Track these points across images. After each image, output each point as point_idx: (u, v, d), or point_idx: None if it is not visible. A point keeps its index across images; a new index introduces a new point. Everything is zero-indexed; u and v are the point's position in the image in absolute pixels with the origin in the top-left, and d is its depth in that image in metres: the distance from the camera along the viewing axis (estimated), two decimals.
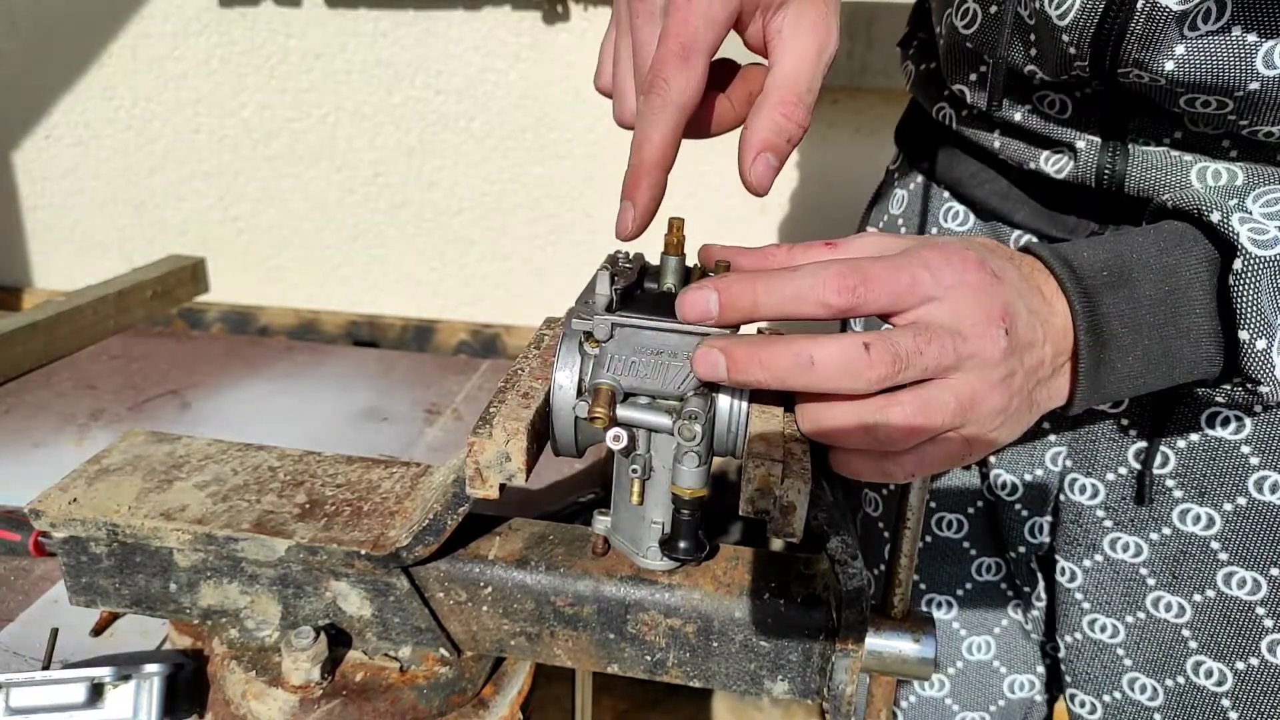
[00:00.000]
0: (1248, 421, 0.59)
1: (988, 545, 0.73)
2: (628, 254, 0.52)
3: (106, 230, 1.87)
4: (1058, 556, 0.69)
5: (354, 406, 1.03)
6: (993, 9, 0.57)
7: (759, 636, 0.49)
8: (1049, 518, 0.69)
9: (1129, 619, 0.66)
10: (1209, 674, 0.63)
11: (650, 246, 0.48)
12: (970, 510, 0.73)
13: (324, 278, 1.84)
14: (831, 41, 0.47)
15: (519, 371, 0.50)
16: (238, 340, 1.21)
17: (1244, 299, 0.46)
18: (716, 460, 0.45)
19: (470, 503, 0.47)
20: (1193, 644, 0.64)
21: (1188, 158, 0.55)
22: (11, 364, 1.05)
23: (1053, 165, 0.59)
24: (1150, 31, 0.48)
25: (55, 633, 0.60)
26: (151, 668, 0.51)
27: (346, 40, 1.65)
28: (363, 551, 0.49)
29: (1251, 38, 0.47)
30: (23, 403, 1.00)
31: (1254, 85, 0.48)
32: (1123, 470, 0.64)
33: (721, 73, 0.51)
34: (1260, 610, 0.61)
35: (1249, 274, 0.46)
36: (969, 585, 0.75)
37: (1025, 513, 0.69)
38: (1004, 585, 0.74)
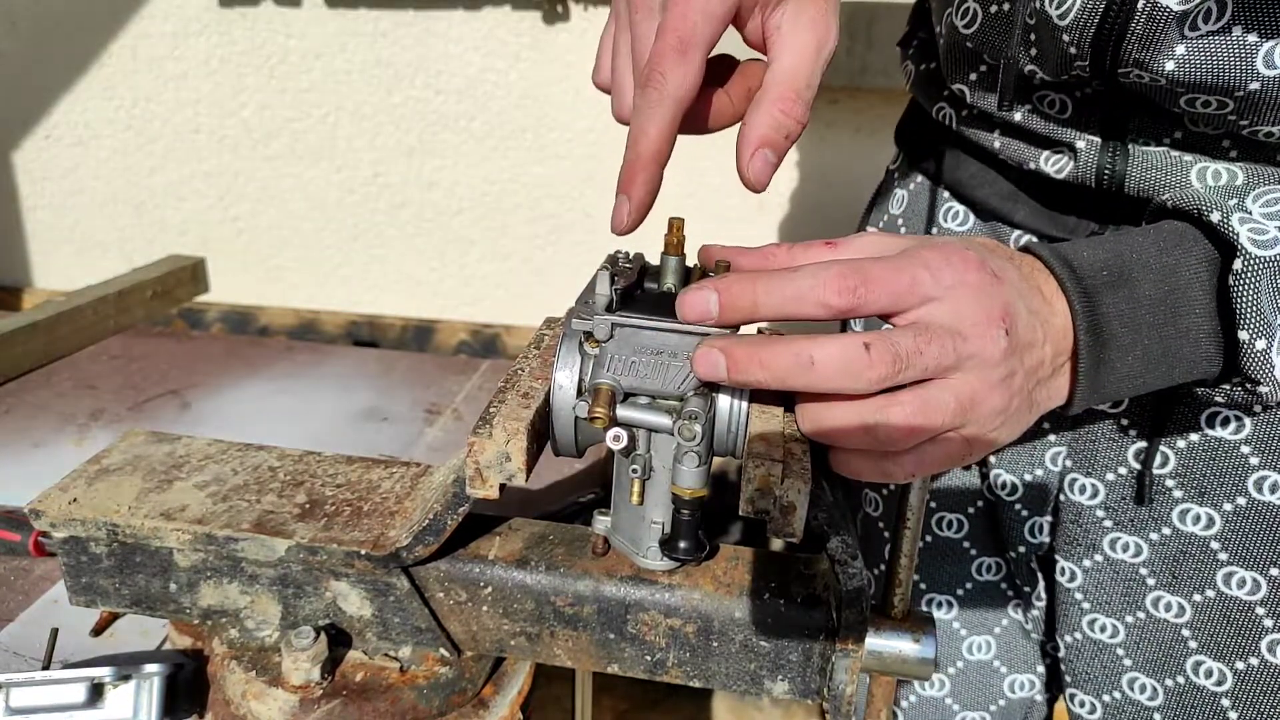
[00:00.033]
0: (1247, 421, 0.59)
1: (988, 545, 0.73)
2: (628, 254, 0.52)
3: (106, 230, 1.87)
4: (1058, 556, 0.69)
5: (354, 406, 1.03)
6: (993, 8, 0.57)
7: (759, 636, 0.49)
8: (1049, 518, 0.69)
9: (1129, 619, 0.66)
10: (1209, 674, 0.63)
11: (650, 246, 0.48)
12: (970, 510, 0.73)
13: (324, 278, 1.84)
14: (831, 38, 0.47)
15: (519, 371, 0.50)
16: (238, 340, 1.21)
17: (1244, 299, 0.46)
18: (716, 460, 0.45)
19: (470, 503, 0.47)
20: (1192, 644, 0.64)
21: (1188, 158, 0.55)
22: (11, 364, 1.05)
23: (1053, 165, 0.59)
24: (1151, 31, 0.48)
25: (55, 633, 0.60)
26: (151, 668, 0.51)
27: (346, 40, 1.65)
28: (363, 551, 0.49)
29: (1252, 38, 0.47)
30: (23, 403, 1.00)
31: (1254, 85, 0.48)
32: (1123, 470, 0.64)
33: (720, 69, 0.51)
34: (1260, 610, 0.61)
35: (1249, 274, 0.46)
36: (969, 585, 0.75)
37: (1025, 513, 0.69)
38: (1004, 585, 0.74)
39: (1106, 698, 0.69)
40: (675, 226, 0.48)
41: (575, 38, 1.58)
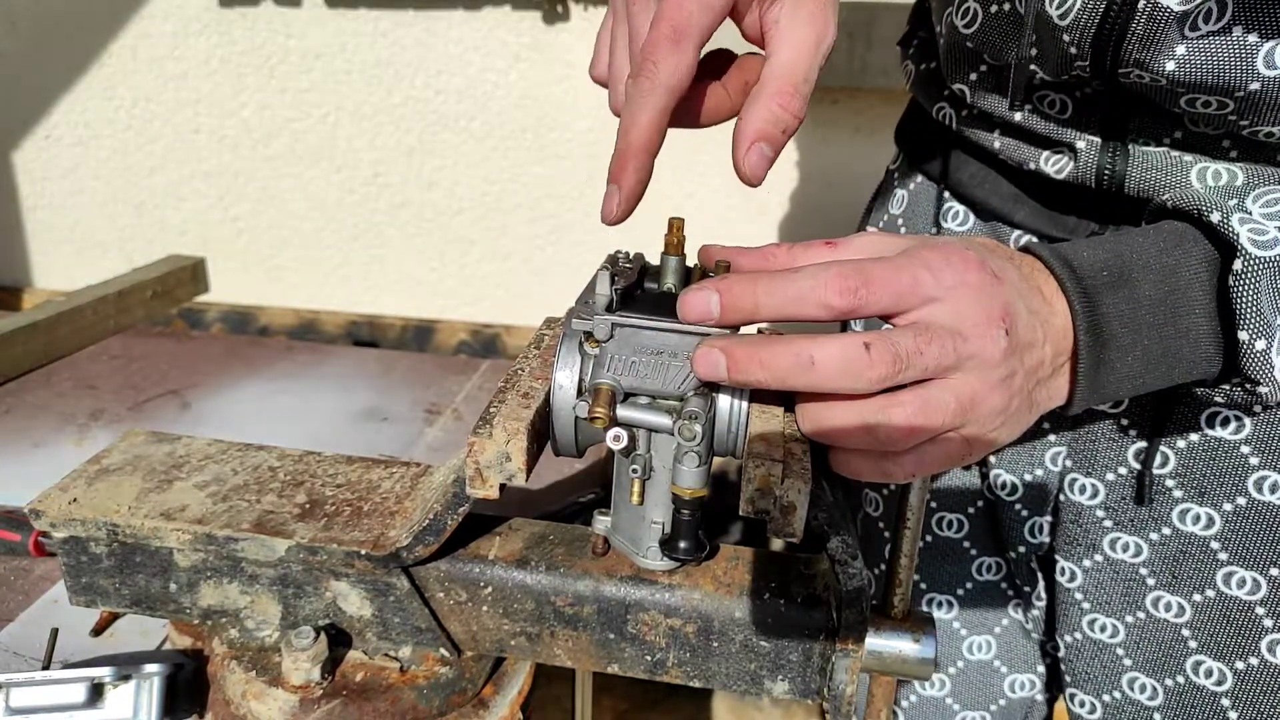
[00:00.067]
0: (1247, 421, 0.59)
1: (988, 545, 0.73)
2: (628, 254, 0.52)
3: (106, 230, 1.87)
4: (1058, 556, 0.69)
5: (354, 406, 1.03)
6: (994, 8, 0.57)
7: (759, 636, 0.49)
8: (1049, 518, 0.69)
9: (1129, 619, 0.66)
10: (1209, 674, 0.63)
11: (650, 246, 0.48)
12: (970, 510, 0.73)
13: (324, 278, 1.84)
14: (829, 33, 0.47)
15: (519, 371, 0.50)
16: (238, 340, 1.21)
17: (1243, 299, 0.46)
18: (716, 460, 0.45)
19: (470, 503, 0.47)
20: (1192, 644, 0.64)
21: (1188, 158, 0.55)
22: (11, 364, 1.05)
23: (1053, 165, 0.59)
24: (1151, 32, 0.48)
25: (55, 633, 0.60)
26: (151, 668, 0.51)
27: (346, 40, 1.65)
28: (363, 551, 0.49)
29: (1252, 38, 0.47)
30: (23, 403, 1.00)
31: (1254, 86, 0.48)
32: (1122, 470, 0.64)
33: (718, 63, 0.51)
34: (1260, 610, 0.61)
35: (1249, 274, 0.46)
36: (969, 585, 0.75)
37: (1025, 513, 0.69)
38: (1004, 585, 0.74)
39: (1106, 697, 0.69)
40: (675, 226, 0.48)
41: (575, 38, 1.58)
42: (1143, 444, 0.62)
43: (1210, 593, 0.62)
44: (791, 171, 1.63)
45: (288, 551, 0.49)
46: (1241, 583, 0.61)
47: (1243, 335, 0.46)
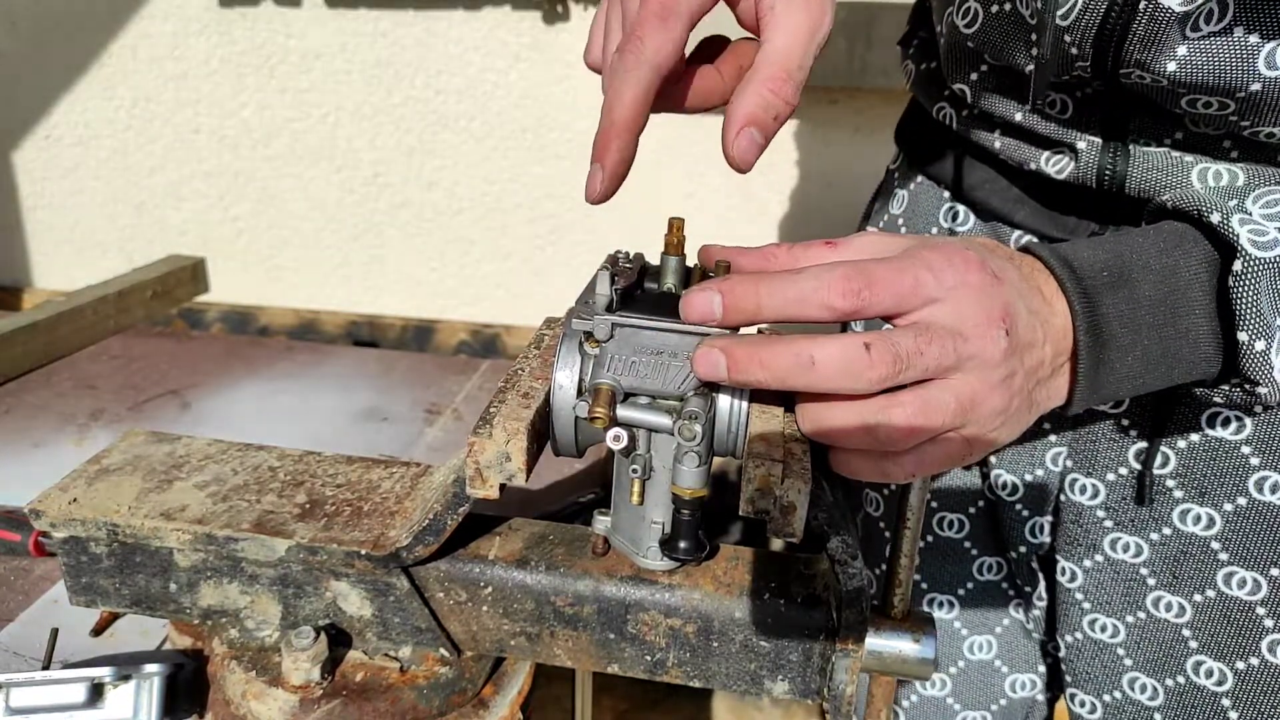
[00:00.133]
0: (1248, 422, 0.59)
1: (988, 545, 0.73)
2: (628, 254, 0.52)
3: (106, 230, 1.87)
4: (1058, 556, 0.69)
5: (354, 406, 1.03)
6: (994, 8, 0.57)
7: (759, 636, 0.49)
8: (1049, 518, 0.69)
9: (1129, 619, 0.66)
10: (1209, 674, 0.63)
11: (650, 246, 0.48)
12: (971, 510, 0.73)
13: (324, 278, 1.84)
14: (825, 21, 0.46)
15: (519, 371, 0.50)
16: (238, 340, 1.21)
17: (1243, 300, 0.46)
18: (716, 460, 0.45)
19: (470, 503, 0.47)
20: (1193, 644, 0.64)
21: (1189, 158, 0.55)
22: (11, 364, 1.05)
23: (1053, 166, 0.59)
24: (1152, 32, 0.48)
25: (55, 633, 0.60)
26: (151, 668, 0.51)
27: (346, 40, 1.65)
28: (363, 551, 0.49)
29: (1253, 39, 0.47)
30: (23, 403, 1.00)
31: (1256, 86, 0.48)
32: (1123, 470, 0.64)
33: (712, 49, 0.50)
34: (1260, 610, 0.61)
35: (1248, 275, 0.46)
36: (970, 585, 0.75)
37: (1026, 513, 0.69)
38: (1005, 585, 0.74)
39: (1107, 697, 0.69)
40: (675, 226, 0.48)
41: (575, 38, 1.58)
42: (1143, 444, 0.62)
43: (1211, 593, 0.62)
44: (791, 171, 1.63)
45: (288, 551, 0.49)
46: (1242, 583, 0.61)
47: (1242, 336, 0.46)
